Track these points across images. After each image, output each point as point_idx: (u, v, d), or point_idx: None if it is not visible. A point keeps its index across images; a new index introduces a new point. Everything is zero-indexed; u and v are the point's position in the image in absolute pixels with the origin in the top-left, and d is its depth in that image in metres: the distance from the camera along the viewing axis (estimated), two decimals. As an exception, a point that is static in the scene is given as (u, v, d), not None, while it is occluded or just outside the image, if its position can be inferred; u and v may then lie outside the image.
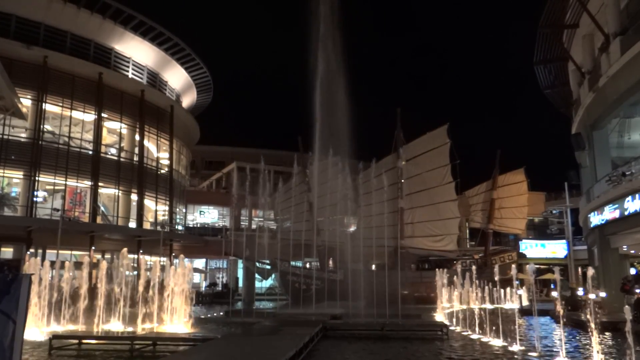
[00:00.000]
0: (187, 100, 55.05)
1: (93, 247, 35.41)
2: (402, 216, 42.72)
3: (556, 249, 55.71)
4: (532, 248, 56.85)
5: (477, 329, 18.53)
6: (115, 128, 42.51)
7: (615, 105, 26.36)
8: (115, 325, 18.88)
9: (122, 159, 41.59)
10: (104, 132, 41.43)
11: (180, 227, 51.07)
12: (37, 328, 16.81)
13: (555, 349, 13.98)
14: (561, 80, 37.53)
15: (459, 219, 44.43)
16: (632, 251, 29.70)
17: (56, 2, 36.96)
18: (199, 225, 59.76)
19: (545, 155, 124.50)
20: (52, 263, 20.96)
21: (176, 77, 49.91)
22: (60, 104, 37.74)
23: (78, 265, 27.36)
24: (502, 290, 35.28)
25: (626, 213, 23.36)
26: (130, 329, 18.49)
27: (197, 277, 54.34)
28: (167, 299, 18.68)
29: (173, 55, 46.41)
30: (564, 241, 51.85)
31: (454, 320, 22.19)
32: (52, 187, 37.79)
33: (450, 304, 27.33)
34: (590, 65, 30.19)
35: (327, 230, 39.70)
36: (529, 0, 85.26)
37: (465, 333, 19.18)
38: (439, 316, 25.26)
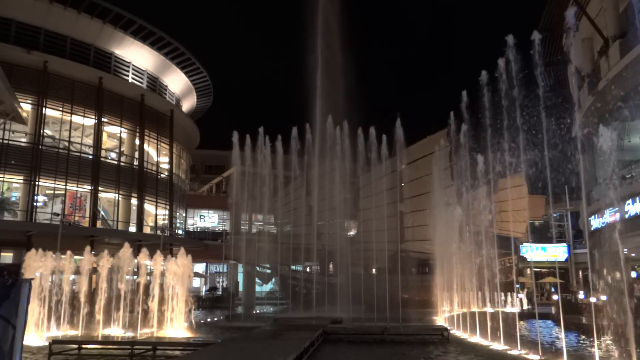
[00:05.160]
0: (187, 105, 55.12)
1: (93, 252, 35.32)
2: (402, 220, 42.63)
3: (557, 252, 55.59)
4: (533, 251, 56.70)
5: (477, 332, 18.49)
6: (115, 132, 42.54)
7: (615, 109, 26.38)
8: (115, 330, 18.85)
9: (122, 164, 41.59)
10: (104, 136, 41.45)
11: (180, 232, 51.02)
12: (36, 333, 16.79)
13: (555, 352, 13.94)
14: (560, 84, 37.57)
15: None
16: (633, 254, 29.67)
17: (56, 7, 37.03)
18: (199, 230, 59.69)
19: (545, 158, 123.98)
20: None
21: (176, 82, 49.98)
22: (60, 109, 37.77)
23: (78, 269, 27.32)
24: (502, 294, 35.20)
25: (626, 216, 23.37)
26: (130, 333, 18.46)
27: (197, 282, 54.28)
28: (167, 302, 18.66)
29: (173, 59, 46.47)
30: (564, 244, 51.71)
31: (455, 323, 22.15)
32: (52, 192, 37.77)
33: (451, 307, 27.30)
34: (589, 69, 30.23)
35: (328, 234, 39.64)
36: (529, 4, 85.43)
37: (465, 337, 19.14)
38: (440, 320, 25.23)
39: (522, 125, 15.75)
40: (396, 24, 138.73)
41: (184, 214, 53.88)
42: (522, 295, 34.15)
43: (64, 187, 37.08)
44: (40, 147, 35.88)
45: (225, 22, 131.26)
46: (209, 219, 62.66)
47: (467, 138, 22.52)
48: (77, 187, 37.87)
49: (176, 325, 18.94)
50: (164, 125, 46.18)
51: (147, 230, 43.21)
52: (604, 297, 24.34)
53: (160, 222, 46.07)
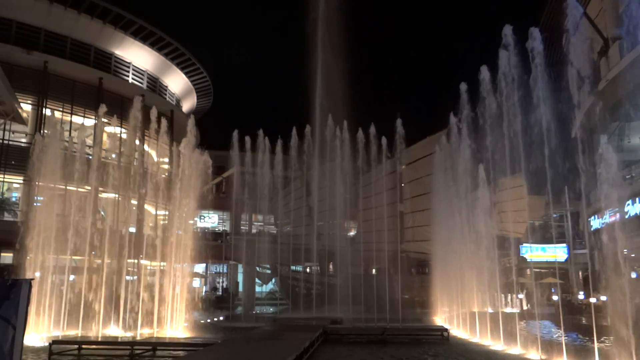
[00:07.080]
0: (187, 105, 55.10)
1: (93, 252, 35.30)
2: (402, 220, 42.54)
3: (557, 252, 55.55)
4: (533, 252, 56.66)
5: (477, 332, 18.49)
6: (115, 133, 42.51)
7: (615, 109, 26.42)
8: (115, 330, 18.86)
9: (122, 164, 41.51)
10: (104, 136, 41.40)
11: (179, 232, 50.88)
12: (36, 333, 16.80)
13: (555, 352, 13.93)
14: (560, 84, 37.55)
15: (459, 223, 44.20)
16: (633, 255, 29.65)
17: (56, 8, 37.03)
18: (199, 230, 59.52)
19: (545, 159, 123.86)
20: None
21: (176, 82, 49.96)
22: (61, 109, 37.77)
23: (77, 270, 27.36)
24: (502, 294, 35.19)
25: (626, 217, 23.40)
26: (130, 334, 18.47)
27: (197, 282, 54.17)
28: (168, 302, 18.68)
29: (173, 60, 46.46)
30: (564, 245, 51.65)
31: (455, 324, 22.15)
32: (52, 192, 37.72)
33: (451, 307, 27.30)
34: (589, 69, 30.22)
35: (327, 235, 39.61)
36: (529, 5, 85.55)
37: (465, 337, 19.14)
38: (440, 320, 25.22)
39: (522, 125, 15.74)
40: (396, 23, 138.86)
41: (184, 214, 53.72)
42: (522, 296, 34.14)
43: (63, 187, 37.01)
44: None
45: (225, 22, 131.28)
46: (209, 219, 62.57)
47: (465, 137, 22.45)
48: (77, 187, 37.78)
49: (176, 325, 18.95)
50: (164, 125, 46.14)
51: (147, 230, 43.15)
52: (603, 298, 24.32)
53: (160, 223, 46.00)
